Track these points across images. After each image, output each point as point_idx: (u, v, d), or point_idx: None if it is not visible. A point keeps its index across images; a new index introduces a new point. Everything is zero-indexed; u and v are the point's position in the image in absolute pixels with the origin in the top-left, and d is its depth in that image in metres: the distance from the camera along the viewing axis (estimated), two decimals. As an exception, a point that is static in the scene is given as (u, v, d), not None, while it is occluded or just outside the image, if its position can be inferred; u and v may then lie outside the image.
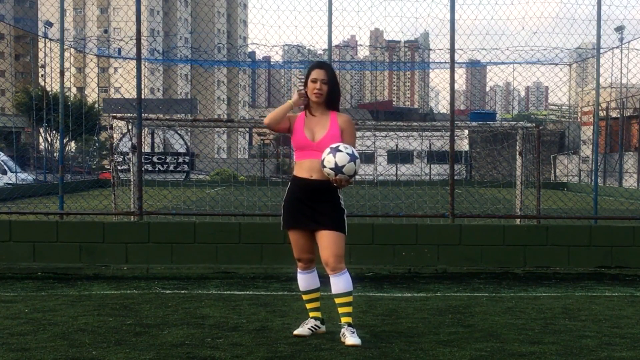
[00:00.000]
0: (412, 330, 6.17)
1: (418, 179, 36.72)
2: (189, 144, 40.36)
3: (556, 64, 22.29)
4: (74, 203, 18.78)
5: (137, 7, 10.24)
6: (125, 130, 21.24)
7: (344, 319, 5.69)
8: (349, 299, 5.69)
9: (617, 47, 27.50)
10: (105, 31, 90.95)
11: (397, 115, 77.81)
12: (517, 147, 14.65)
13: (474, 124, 17.45)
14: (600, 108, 31.99)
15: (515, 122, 17.78)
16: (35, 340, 5.68)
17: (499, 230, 9.76)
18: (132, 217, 10.79)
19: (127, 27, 29.24)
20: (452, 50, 10.32)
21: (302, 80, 5.91)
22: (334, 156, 5.46)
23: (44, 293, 8.02)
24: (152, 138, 36.39)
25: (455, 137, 10.80)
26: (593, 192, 11.46)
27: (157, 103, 47.50)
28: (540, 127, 15.24)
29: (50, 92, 39.51)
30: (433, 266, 9.57)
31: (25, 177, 32.73)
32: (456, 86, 11.35)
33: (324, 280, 5.96)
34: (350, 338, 5.58)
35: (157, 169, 35.30)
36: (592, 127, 30.06)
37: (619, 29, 27.60)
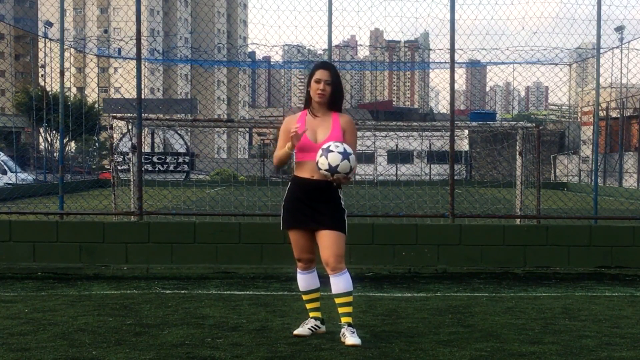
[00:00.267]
0: (412, 330, 6.17)
1: (418, 179, 36.71)
2: (189, 144, 40.36)
3: (556, 64, 22.32)
4: (74, 203, 18.78)
5: (137, 7, 10.24)
6: (125, 130, 21.26)
7: (344, 319, 5.69)
8: (349, 299, 5.68)
9: (617, 47, 27.52)
10: (105, 31, 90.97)
11: (397, 115, 77.82)
12: (517, 147, 14.65)
13: (474, 124, 17.46)
14: (600, 108, 31.99)
15: (515, 122, 17.79)
16: (35, 340, 5.68)
17: (499, 230, 9.76)
18: (132, 217, 10.79)
19: (127, 27, 29.26)
20: (452, 50, 10.32)
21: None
22: (327, 157, 5.46)
23: (44, 293, 8.02)
24: (152, 138, 36.38)
25: (455, 137, 10.80)
26: (593, 192, 11.46)
27: (157, 103, 47.53)
28: (540, 127, 15.24)
29: (50, 92, 39.51)
30: (433, 266, 9.57)
31: (25, 177, 32.73)
32: (456, 86, 11.35)
33: (324, 280, 5.96)
34: (350, 338, 5.57)
35: (157, 169, 35.29)
36: (592, 127, 30.07)
37: (619, 29, 27.60)
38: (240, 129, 33.88)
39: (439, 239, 9.61)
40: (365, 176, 37.16)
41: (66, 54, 13.08)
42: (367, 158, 40.07)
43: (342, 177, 5.55)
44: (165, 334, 5.93)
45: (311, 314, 5.95)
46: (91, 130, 46.60)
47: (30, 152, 46.21)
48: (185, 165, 36.96)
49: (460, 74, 75.58)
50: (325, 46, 11.71)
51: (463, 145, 48.56)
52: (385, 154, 43.32)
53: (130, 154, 14.76)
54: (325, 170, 5.48)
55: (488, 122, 17.34)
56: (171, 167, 36.48)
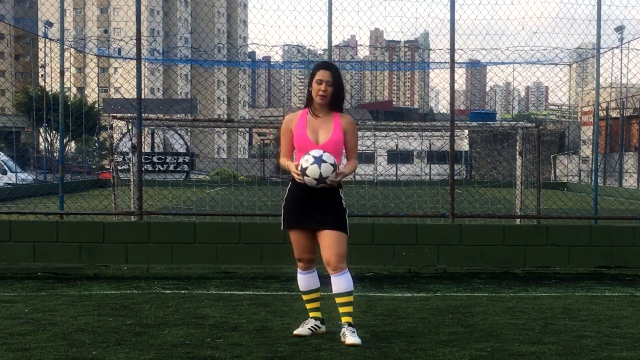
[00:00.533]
0: (412, 330, 6.18)
1: (418, 179, 36.71)
2: (189, 144, 40.36)
3: (556, 64, 22.31)
4: (74, 203, 18.78)
5: (137, 7, 10.24)
6: (125, 130, 21.26)
7: (344, 319, 5.69)
8: (350, 298, 5.69)
9: (617, 47, 27.51)
10: (105, 31, 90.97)
11: (397, 115, 77.83)
12: (517, 147, 14.65)
13: (474, 124, 17.45)
14: (600, 108, 31.99)
15: (515, 122, 17.79)
16: (35, 340, 5.68)
17: (499, 230, 9.76)
18: (132, 217, 10.79)
19: (127, 27, 29.25)
20: (452, 50, 10.32)
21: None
22: (319, 167, 5.45)
23: (44, 293, 8.02)
24: (152, 138, 36.39)
25: (455, 137, 10.80)
26: (593, 192, 11.46)
27: (157, 103, 47.54)
28: (540, 127, 15.24)
29: (50, 92, 39.51)
30: (433, 266, 9.57)
31: (25, 177, 32.73)
32: (456, 86, 11.35)
33: (325, 280, 5.97)
34: (350, 337, 5.57)
35: (157, 169, 35.29)
36: (592, 127, 30.06)
37: (619, 29, 27.60)
38: (240, 129, 33.88)
39: (439, 239, 9.61)
40: (365, 176, 37.15)
41: (66, 54, 13.09)
42: (367, 158, 40.08)
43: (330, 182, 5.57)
44: (165, 334, 5.93)
45: (311, 314, 5.95)
46: (91, 130, 46.59)
47: (30, 152, 46.22)
48: (185, 165, 36.97)
49: (460, 74, 75.49)
50: (325, 46, 11.72)
51: (463, 145, 48.57)
52: (385, 154, 43.33)
53: (130, 154, 14.76)
54: (314, 178, 5.48)
55: (488, 122, 17.34)
56: (171, 167, 36.50)
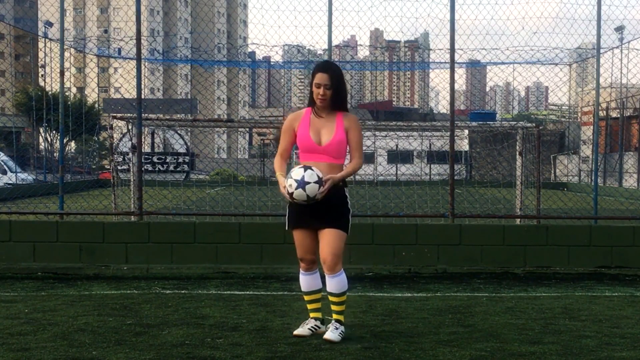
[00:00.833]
0: (412, 330, 6.18)
1: (418, 179, 36.71)
2: (189, 144, 40.36)
3: (556, 64, 22.31)
4: (74, 203, 18.78)
5: (137, 7, 10.24)
6: (125, 130, 21.26)
7: (334, 316, 5.77)
8: (342, 299, 5.73)
9: (617, 47, 27.51)
10: (105, 31, 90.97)
11: (397, 115, 77.84)
12: (517, 147, 14.65)
13: (474, 124, 17.45)
14: (600, 108, 31.99)
15: (515, 122, 17.78)
16: (35, 340, 5.68)
17: (499, 230, 9.76)
18: (132, 217, 10.79)
19: (127, 27, 29.24)
20: (452, 50, 10.32)
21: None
22: (304, 190, 5.45)
23: (44, 293, 8.02)
24: (152, 138, 36.39)
25: (455, 137, 10.80)
26: (593, 192, 11.46)
27: (157, 103, 47.54)
28: (540, 127, 15.23)
29: (50, 92, 39.50)
30: (433, 266, 9.57)
31: (25, 177, 32.74)
32: (456, 86, 11.35)
33: (325, 280, 5.96)
34: (329, 333, 5.67)
35: (157, 169, 35.29)
36: (592, 127, 30.07)
37: (619, 29, 27.60)
38: (240, 129, 33.88)
39: (439, 239, 9.61)
40: (365, 176, 37.15)
41: (66, 54, 13.09)
42: (367, 158, 40.05)
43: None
44: (165, 334, 5.93)
45: (312, 314, 5.95)
46: (91, 130, 46.60)
47: (30, 152, 46.23)
48: (185, 165, 36.97)
49: (460, 74, 75.58)
50: (325, 46, 11.72)
51: (463, 145, 48.58)
52: (385, 154, 43.33)
53: (130, 154, 14.76)
54: (303, 201, 5.50)
55: (488, 122, 17.33)
56: (171, 167, 36.50)
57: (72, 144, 49.94)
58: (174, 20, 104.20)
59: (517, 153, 14.68)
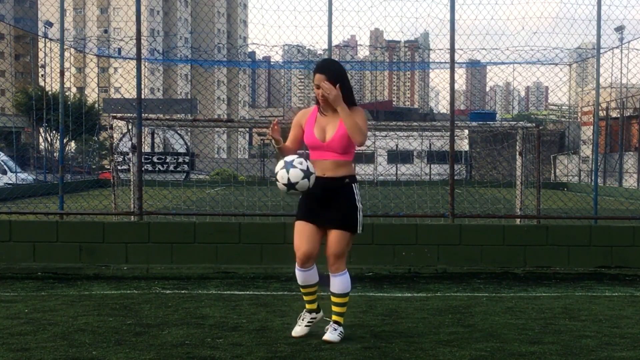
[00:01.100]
0: (412, 330, 6.18)
1: (418, 179, 36.71)
2: (189, 144, 40.35)
3: (556, 64, 22.27)
4: (74, 203, 18.78)
5: (137, 7, 10.24)
6: (125, 130, 21.26)
7: (334, 317, 5.75)
8: (343, 300, 5.72)
9: (617, 47, 27.50)
10: (105, 31, 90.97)
11: (397, 115, 77.80)
12: (517, 147, 14.65)
13: (474, 124, 17.47)
14: (600, 108, 32.00)
15: (515, 122, 17.78)
16: (35, 340, 5.68)
17: (499, 230, 9.76)
18: (132, 217, 10.79)
19: (127, 27, 29.23)
20: (452, 50, 10.32)
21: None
22: (287, 172, 5.42)
23: (44, 293, 8.02)
24: (152, 138, 36.37)
25: (455, 137, 10.80)
26: (593, 192, 11.46)
27: (157, 103, 47.50)
28: (540, 127, 15.23)
29: (50, 92, 39.50)
30: (433, 266, 9.57)
31: (25, 177, 32.74)
32: (456, 86, 11.36)
33: (326, 279, 5.95)
34: (328, 334, 5.66)
35: (157, 169, 35.27)
36: (592, 127, 30.06)
37: (619, 29, 27.59)
38: (240, 129, 33.87)
39: (439, 239, 9.61)
40: (365, 176, 37.16)
41: (66, 54, 13.08)
42: (367, 158, 40.06)
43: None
44: (165, 334, 5.93)
45: (307, 306, 5.91)
46: (91, 130, 46.59)
47: (30, 152, 46.22)
48: (185, 165, 36.95)
49: (460, 74, 75.52)
50: (325, 46, 11.72)
51: (463, 145, 48.56)
52: (385, 154, 43.32)
53: (130, 154, 14.76)
54: (283, 184, 5.44)
55: (488, 122, 17.36)
56: (171, 167, 36.47)
57: (72, 144, 49.94)
58: (174, 20, 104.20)
59: (517, 153, 14.68)
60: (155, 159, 35.98)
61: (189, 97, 64.54)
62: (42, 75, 51.37)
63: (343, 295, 5.71)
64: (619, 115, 39.86)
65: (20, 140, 51.98)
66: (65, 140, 21.13)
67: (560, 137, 50.96)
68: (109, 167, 21.03)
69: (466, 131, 41.40)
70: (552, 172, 46.82)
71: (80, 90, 71.41)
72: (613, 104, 40.25)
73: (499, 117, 51.67)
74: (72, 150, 50.70)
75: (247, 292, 8.14)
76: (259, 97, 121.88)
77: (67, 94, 41.97)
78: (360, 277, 9.17)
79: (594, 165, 11.66)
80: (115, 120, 14.65)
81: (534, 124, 15.32)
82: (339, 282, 5.67)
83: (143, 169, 11.41)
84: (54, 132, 42.40)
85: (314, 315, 5.91)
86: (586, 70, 44.94)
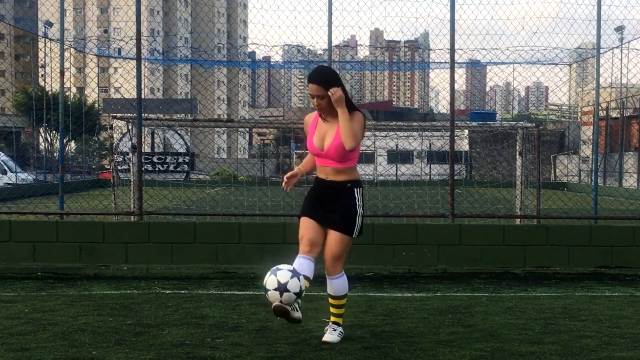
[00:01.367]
0: (412, 330, 6.18)
1: (418, 179, 36.71)
2: (189, 144, 40.34)
3: (556, 64, 22.26)
4: (74, 203, 18.78)
5: (137, 7, 10.24)
6: (125, 130, 21.24)
7: (332, 318, 5.76)
8: (341, 302, 5.72)
9: (617, 47, 27.48)
10: (105, 31, 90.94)
11: (397, 115, 77.82)
12: (517, 147, 14.65)
13: (474, 124, 17.46)
14: (600, 108, 31.99)
15: (515, 122, 17.77)
16: (35, 340, 5.68)
17: (499, 230, 9.76)
18: (132, 217, 10.79)
19: (127, 27, 29.22)
20: (452, 50, 10.32)
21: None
22: (275, 275, 5.36)
23: (44, 293, 8.02)
24: (152, 138, 36.35)
25: (455, 137, 10.80)
26: (593, 192, 11.46)
27: (157, 103, 47.50)
28: (540, 127, 15.23)
29: (50, 92, 39.50)
30: (433, 266, 9.57)
31: (25, 177, 32.74)
32: (456, 86, 11.35)
33: (323, 280, 5.94)
34: (328, 335, 5.67)
35: (157, 169, 35.26)
36: (592, 127, 30.07)
37: (619, 29, 27.56)
38: (240, 129, 33.89)
39: (439, 239, 9.61)
40: (365, 176, 37.15)
41: (66, 54, 13.07)
42: (367, 158, 40.06)
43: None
44: (165, 334, 5.93)
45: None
46: (91, 130, 46.58)
47: (30, 152, 46.23)
48: (185, 165, 36.94)
49: (460, 74, 75.49)
50: (325, 46, 11.73)
51: (463, 145, 48.56)
52: (385, 154, 43.32)
53: (130, 154, 14.76)
54: (275, 289, 5.34)
55: (488, 122, 17.34)
56: (171, 167, 36.46)
57: (72, 144, 49.94)
58: (174, 20, 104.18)
59: (517, 153, 14.68)
60: (155, 159, 35.97)
61: (189, 97, 64.55)
62: (42, 75, 51.38)
63: (341, 297, 5.72)
64: (619, 115, 39.87)
65: (20, 140, 51.98)
66: (65, 140, 21.14)
67: (560, 137, 50.97)
68: (109, 167, 21.03)
69: (466, 131, 41.40)
70: (552, 172, 46.82)
71: (80, 90, 71.42)
72: (613, 104, 40.26)
73: (499, 117, 51.64)
74: (72, 150, 50.70)
75: (247, 292, 8.14)
76: (259, 97, 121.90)
77: (67, 94, 41.98)
78: (360, 277, 9.17)
79: (594, 165, 11.66)
80: (115, 120, 14.64)
81: (534, 124, 15.32)
82: (337, 285, 5.67)
83: (143, 169, 11.41)
84: (54, 132, 42.40)
85: (296, 306, 5.66)
86: (586, 70, 44.94)
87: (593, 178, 11.70)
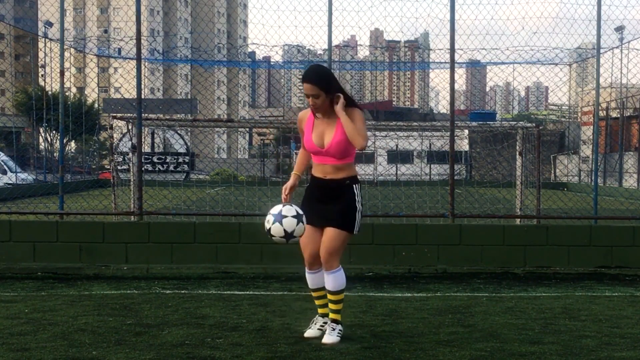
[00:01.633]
0: (412, 330, 6.18)
1: (418, 179, 36.70)
2: (189, 144, 40.34)
3: (556, 64, 22.26)
4: (74, 203, 18.78)
5: (137, 7, 10.24)
6: (125, 130, 21.25)
7: (331, 315, 5.77)
8: (339, 297, 5.72)
9: (617, 47, 27.48)
10: (105, 31, 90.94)
11: (397, 115, 77.82)
12: (517, 147, 14.65)
13: (474, 124, 17.45)
14: (600, 108, 32.00)
15: (515, 122, 17.78)
16: (35, 340, 5.68)
17: (499, 230, 9.76)
18: (132, 217, 10.79)
19: (127, 27, 29.22)
20: (452, 50, 10.32)
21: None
22: (281, 224, 5.38)
23: (44, 293, 8.02)
24: (152, 138, 36.35)
25: (455, 137, 10.80)
26: (593, 192, 11.46)
27: (157, 103, 47.48)
28: (540, 127, 15.23)
29: (50, 92, 39.50)
30: (433, 266, 9.57)
31: (25, 177, 32.74)
32: (456, 86, 11.36)
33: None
34: (327, 336, 5.67)
35: (157, 169, 35.26)
36: (592, 127, 30.07)
37: (619, 29, 27.56)
38: (240, 129, 33.88)
39: (439, 239, 9.61)
40: (365, 176, 37.13)
41: (66, 54, 13.07)
42: (367, 158, 40.06)
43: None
44: (165, 334, 5.93)
45: (320, 310, 5.93)
46: (91, 130, 46.58)
47: (30, 152, 46.23)
48: (185, 165, 36.94)
49: (460, 74, 75.51)
50: (325, 46, 11.73)
51: (463, 145, 48.56)
52: (385, 154, 43.32)
53: (130, 154, 14.76)
54: (281, 237, 5.40)
55: (488, 122, 17.34)
56: (171, 167, 36.46)
57: (72, 144, 49.94)
58: (174, 20, 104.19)
59: (517, 153, 14.68)
60: (155, 159, 35.97)
61: (189, 97, 64.55)
62: (42, 75, 51.37)
63: (338, 292, 5.70)
64: (619, 115, 39.86)
65: (20, 140, 52.00)
66: (65, 140, 21.14)
67: (560, 137, 50.98)
68: (109, 167, 21.03)
69: (466, 131, 41.41)
70: (552, 172, 46.83)
71: (80, 90, 71.39)
72: (613, 104, 40.25)
73: (499, 117, 51.67)
74: (72, 150, 50.70)
75: (247, 292, 8.14)
76: (259, 97, 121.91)
77: (67, 94, 41.99)
78: (360, 277, 9.17)
79: (594, 165, 11.66)
80: (115, 120, 14.64)
81: (534, 124, 15.32)
82: (333, 279, 5.67)
83: (143, 169, 11.41)
84: (54, 132, 42.39)
85: (326, 319, 5.89)
86: (586, 70, 44.93)
87: (593, 178, 11.70)
